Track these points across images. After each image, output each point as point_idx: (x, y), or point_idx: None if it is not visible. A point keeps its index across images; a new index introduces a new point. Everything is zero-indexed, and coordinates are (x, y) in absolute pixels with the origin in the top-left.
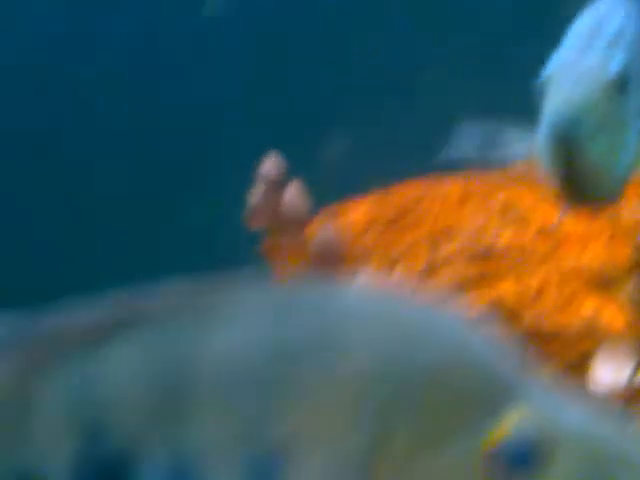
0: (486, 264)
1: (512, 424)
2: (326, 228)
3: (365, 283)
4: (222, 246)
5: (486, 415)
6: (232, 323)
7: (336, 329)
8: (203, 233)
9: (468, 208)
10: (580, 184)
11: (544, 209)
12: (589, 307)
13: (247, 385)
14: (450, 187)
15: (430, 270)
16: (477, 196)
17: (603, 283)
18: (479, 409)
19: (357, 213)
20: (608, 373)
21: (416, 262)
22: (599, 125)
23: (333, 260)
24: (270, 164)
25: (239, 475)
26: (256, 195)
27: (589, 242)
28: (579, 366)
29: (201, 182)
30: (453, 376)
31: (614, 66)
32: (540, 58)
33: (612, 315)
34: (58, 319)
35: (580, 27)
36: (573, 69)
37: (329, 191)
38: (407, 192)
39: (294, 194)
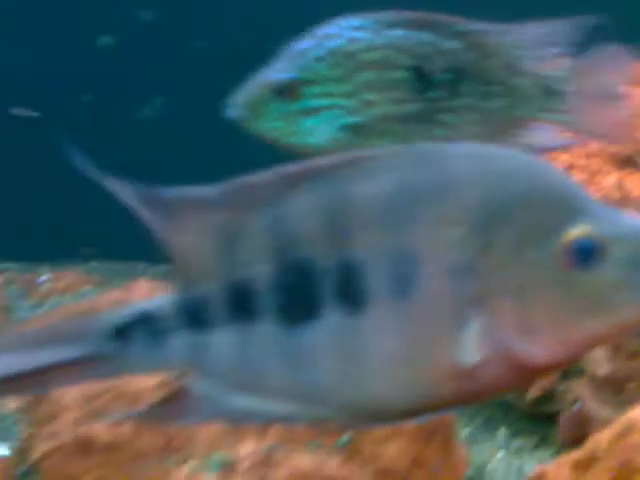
0: None
1: (580, 231)
2: None
3: None
4: None
5: (561, 226)
6: (374, 173)
7: (449, 173)
8: None
9: None
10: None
11: None
12: (612, 179)
13: (390, 212)
14: None
15: None
16: None
17: (623, 160)
18: (556, 222)
19: None
20: None
21: None
22: (258, 113)
23: None
24: None
25: (387, 273)
26: None
27: None
28: None
29: None
30: (537, 199)
31: (276, 75)
32: None
33: (632, 185)
34: (254, 178)
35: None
36: (258, 76)
37: None
38: None
39: None
